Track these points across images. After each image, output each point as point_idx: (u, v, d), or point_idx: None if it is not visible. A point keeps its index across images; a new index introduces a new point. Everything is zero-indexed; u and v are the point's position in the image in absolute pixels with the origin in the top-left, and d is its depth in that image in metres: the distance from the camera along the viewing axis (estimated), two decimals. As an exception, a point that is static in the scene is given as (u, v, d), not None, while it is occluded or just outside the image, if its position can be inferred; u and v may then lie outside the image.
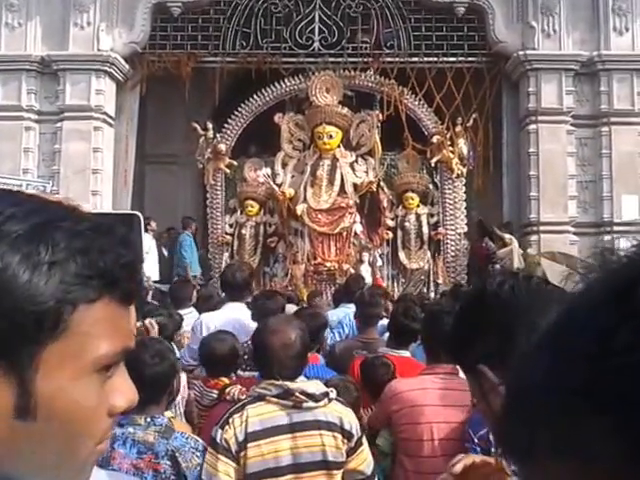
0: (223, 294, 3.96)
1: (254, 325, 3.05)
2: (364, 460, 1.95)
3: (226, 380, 2.66)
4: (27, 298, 0.45)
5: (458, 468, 0.93)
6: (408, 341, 3.09)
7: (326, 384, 2.21)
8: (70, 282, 0.47)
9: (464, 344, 0.88)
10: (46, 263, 0.46)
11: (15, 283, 0.45)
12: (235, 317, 3.26)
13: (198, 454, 1.86)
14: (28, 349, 0.46)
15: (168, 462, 1.83)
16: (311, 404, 1.88)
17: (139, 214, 0.94)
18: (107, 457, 1.83)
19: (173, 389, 2.02)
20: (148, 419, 1.85)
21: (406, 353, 3.06)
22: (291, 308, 3.94)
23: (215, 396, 2.66)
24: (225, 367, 2.78)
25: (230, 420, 1.87)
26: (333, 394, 1.94)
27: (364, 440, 1.97)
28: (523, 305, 0.83)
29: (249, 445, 1.84)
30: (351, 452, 1.91)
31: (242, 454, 1.84)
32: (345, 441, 1.89)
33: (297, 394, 1.86)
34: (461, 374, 1.89)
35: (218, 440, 1.85)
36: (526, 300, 0.84)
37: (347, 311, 4.33)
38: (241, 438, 1.84)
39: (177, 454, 1.83)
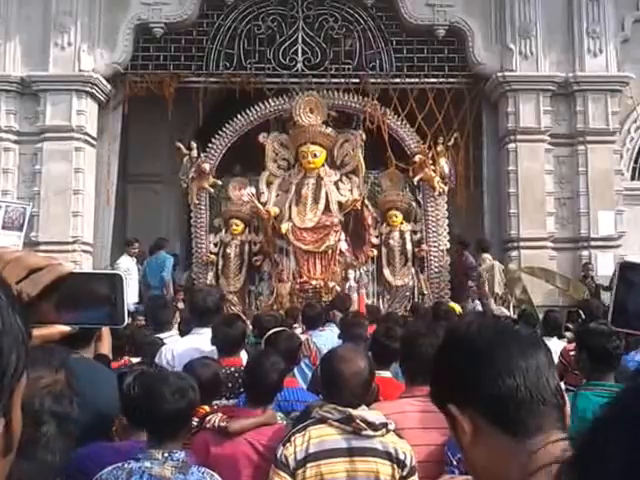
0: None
1: (214, 352, 3.01)
2: None
3: (207, 408, 2.62)
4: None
5: None
6: (389, 361, 3.09)
7: (307, 408, 2.21)
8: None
9: (436, 381, 0.90)
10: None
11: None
12: (196, 346, 3.17)
13: None
14: (10, 394, 0.52)
15: None
16: (370, 432, 1.96)
17: (121, 274, 0.92)
18: (122, 491, 1.80)
19: (190, 425, 2.04)
20: (165, 454, 1.84)
21: (387, 374, 3.06)
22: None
23: (196, 424, 2.63)
24: (207, 394, 2.73)
25: (292, 438, 1.96)
26: (392, 426, 2.02)
27: (415, 471, 2.04)
28: (488, 344, 0.85)
29: (308, 465, 1.92)
30: (402, 479, 2.00)
31: (300, 472, 1.92)
32: (399, 470, 1.98)
33: (358, 421, 1.94)
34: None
35: (278, 456, 1.95)
36: (492, 339, 0.85)
37: (334, 330, 4.32)
38: (300, 457, 1.92)
39: None
